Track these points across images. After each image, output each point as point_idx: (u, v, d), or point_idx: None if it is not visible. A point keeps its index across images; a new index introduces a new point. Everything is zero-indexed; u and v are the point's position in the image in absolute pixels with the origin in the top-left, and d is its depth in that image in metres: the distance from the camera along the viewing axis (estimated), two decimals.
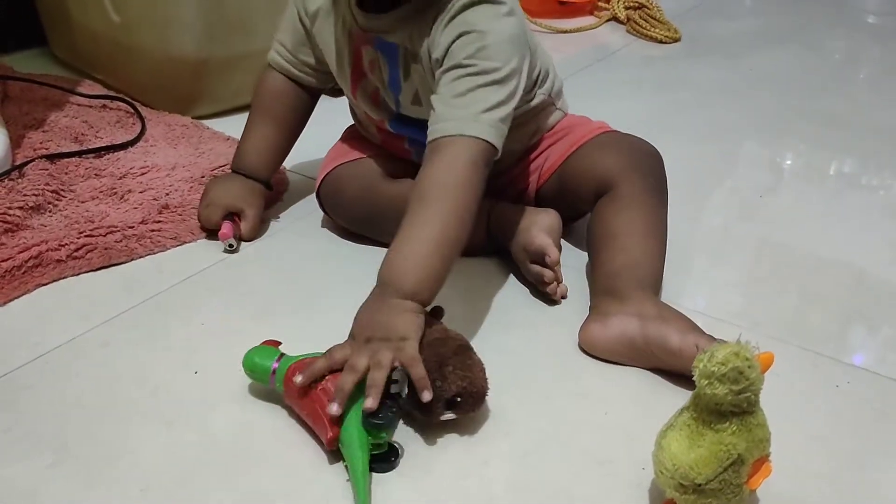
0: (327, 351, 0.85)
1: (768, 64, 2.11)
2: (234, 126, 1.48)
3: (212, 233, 1.18)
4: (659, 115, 1.71)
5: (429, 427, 0.86)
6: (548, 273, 1.07)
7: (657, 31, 2.14)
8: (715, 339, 0.90)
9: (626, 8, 2.22)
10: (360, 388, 0.81)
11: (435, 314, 0.93)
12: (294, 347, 0.90)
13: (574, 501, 0.79)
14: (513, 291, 1.11)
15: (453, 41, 0.98)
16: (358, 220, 1.17)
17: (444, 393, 0.83)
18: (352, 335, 0.87)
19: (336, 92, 1.22)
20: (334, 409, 0.79)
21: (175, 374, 0.92)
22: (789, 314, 1.11)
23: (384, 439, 0.81)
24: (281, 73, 1.20)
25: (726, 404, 0.71)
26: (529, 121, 1.16)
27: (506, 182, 1.20)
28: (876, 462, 0.86)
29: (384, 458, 0.82)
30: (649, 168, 1.11)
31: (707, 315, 1.06)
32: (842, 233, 1.31)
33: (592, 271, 1.08)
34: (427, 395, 0.81)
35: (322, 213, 1.23)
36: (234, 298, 1.06)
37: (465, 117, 0.96)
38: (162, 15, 1.43)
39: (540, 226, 1.10)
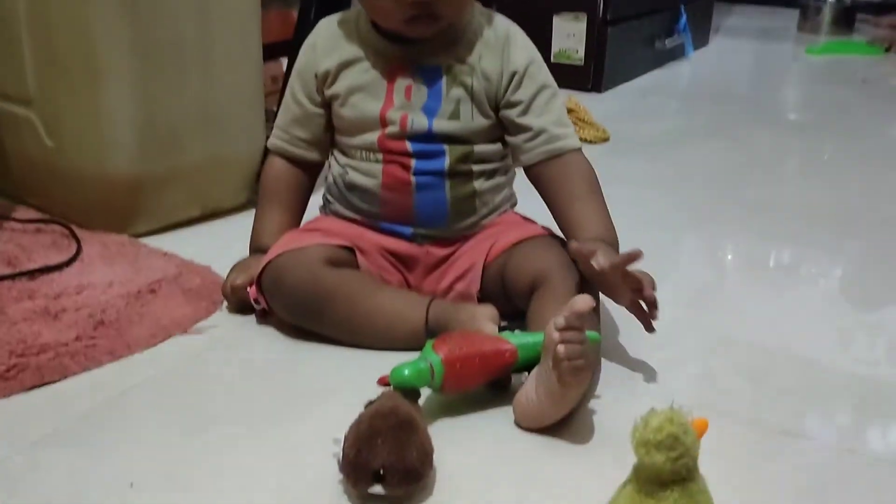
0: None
1: (695, 158, 2.20)
2: (171, 242, 1.49)
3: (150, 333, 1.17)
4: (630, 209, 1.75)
5: (362, 500, 0.86)
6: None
7: (586, 132, 2.22)
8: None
9: None
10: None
11: (408, 395, 0.94)
12: (235, 460, 0.92)
13: None
14: None
15: (529, 64, 1.21)
16: (298, 310, 1.17)
17: (369, 464, 0.84)
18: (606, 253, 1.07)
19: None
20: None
21: (109, 491, 0.89)
22: (738, 393, 1.12)
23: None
24: (279, 156, 1.32)
25: (665, 472, 0.71)
26: (509, 183, 1.30)
27: (461, 253, 1.25)
28: None
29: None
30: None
31: (656, 398, 1.06)
32: (788, 323, 1.32)
33: None
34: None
35: (259, 318, 1.24)
36: (171, 413, 1.04)
37: (573, 134, 1.24)
38: (95, 136, 1.45)
39: (484, 317, 1.12)
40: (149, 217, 1.53)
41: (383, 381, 0.99)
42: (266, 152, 1.50)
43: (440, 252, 1.26)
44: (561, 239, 1.22)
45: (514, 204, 1.33)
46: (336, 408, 1.03)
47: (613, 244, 1.15)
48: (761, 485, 0.93)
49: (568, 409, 0.98)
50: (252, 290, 1.21)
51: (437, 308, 1.16)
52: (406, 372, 0.97)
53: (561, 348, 0.92)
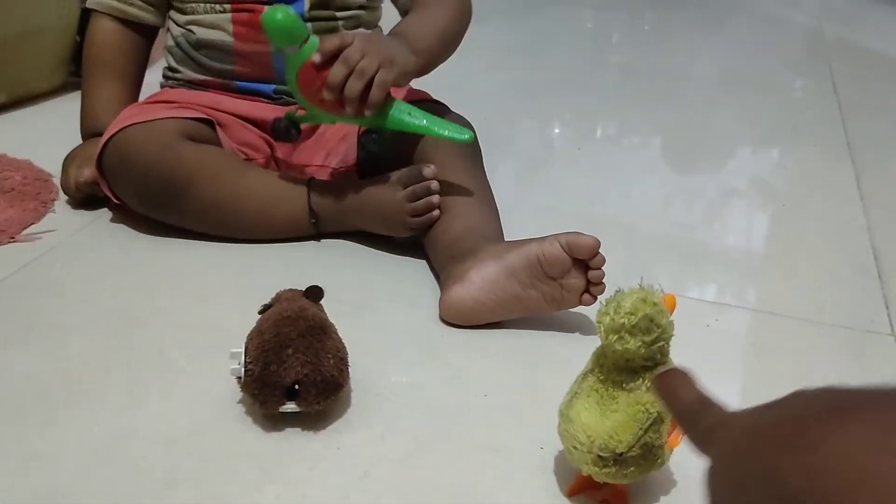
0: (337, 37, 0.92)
1: (552, 24, 2.11)
2: None
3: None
4: (458, 80, 1.64)
5: (270, 421, 0.74)
6: (432, 184, 0.97)
7: None
8: (574, 232, 0.86)
9: None
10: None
11: (312, 294, 0.79)
12: (104, 389, 0.76)
13: (478, 499, 0.68)
14: (355, 275, 0.98)
15: None
16: (151, 194, 1.00)
17: (279, 379, 0.72)
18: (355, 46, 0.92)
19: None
20: (327, 95, 0.91)
21: None
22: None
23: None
24: (108, 16, 1.11)
25: (638, 359, 0.63)
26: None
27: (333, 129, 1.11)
28: None
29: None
30: None
31: None
32: (612, 193, 1.29)
33: (432, 246, 0.99)
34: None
35: (109, 216, 1.06)
36: (11, 339, 0.85)
37: None
38: None
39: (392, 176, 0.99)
40: None
41: None
42: (84, 23, 1.28)
43: None
44: (440, 103, 1.10)
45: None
46: (219, 314, 0.89)
47: (410, 44, 0.99)
48: (558, 320, 0.90)
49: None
50: (104, 185, 1.02)
51: (319, 187, 1.02)
52: (279, 16, 0.89)
53: (594, 293, 0.87)
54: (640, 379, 0.64)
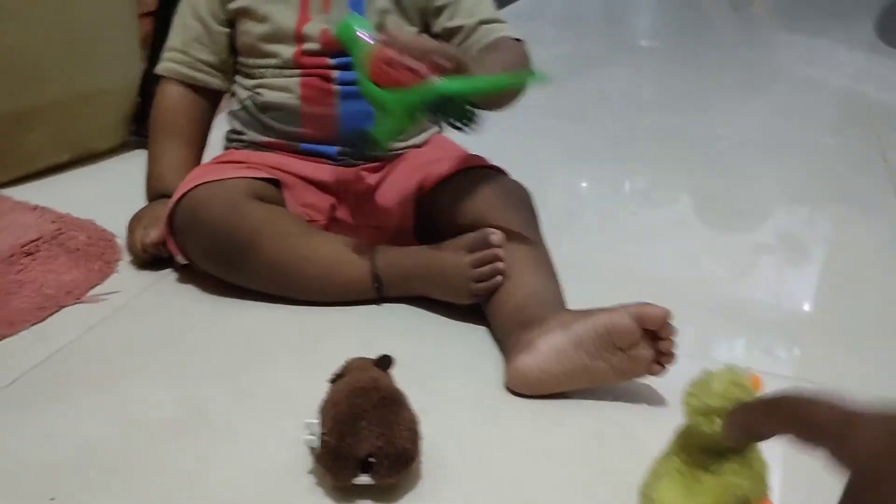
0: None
1: (594, 88, 2.13)
2: (40, 193, 1.27)
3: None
4: (505, 145, 1.66)
5: (342, 492, 0.73)
6: (498, 251, 0.97)
7: None
8: (643, 303, 0.86)
9: None
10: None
11: (382, 364, 0.80)
12: (171, 458, 0.73)
13: None
14: (417, 342, 0.98)
15: None
16: (218, 253, 1.01)
17: (354, 451, 0.71)
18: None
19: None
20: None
21: None
22: None
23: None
24: (176, 81, 1.14)
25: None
26: None
27: (389, 184, 1.12)
28: None
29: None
30: (520, 203, 1.08)
31: None
32: (643, 245, 1.30)
33: (494, 313, 0.98)
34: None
35: (173, 277, 1.07)
36: (78, 403, 0.85)
37: (509, 29, 1.12)
38: None
39: (454, 248, 1.00)
40: (7, 164, 1.30)
41: None
42: (146, 84, 1.32)
43: (371, 176, 1.12)
44: (498, 170, 1.11)
45: (441, 129, 1.21)
46: (282, 379, 0.89)
47: (495, 66, 1.00)
48: (624, 391, 0.89)
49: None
50: (171, 245, 1.04)
51: (383, 254, 1.02)
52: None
53: (664, 362, 0.87)
54: (727, 461, 0.63)
